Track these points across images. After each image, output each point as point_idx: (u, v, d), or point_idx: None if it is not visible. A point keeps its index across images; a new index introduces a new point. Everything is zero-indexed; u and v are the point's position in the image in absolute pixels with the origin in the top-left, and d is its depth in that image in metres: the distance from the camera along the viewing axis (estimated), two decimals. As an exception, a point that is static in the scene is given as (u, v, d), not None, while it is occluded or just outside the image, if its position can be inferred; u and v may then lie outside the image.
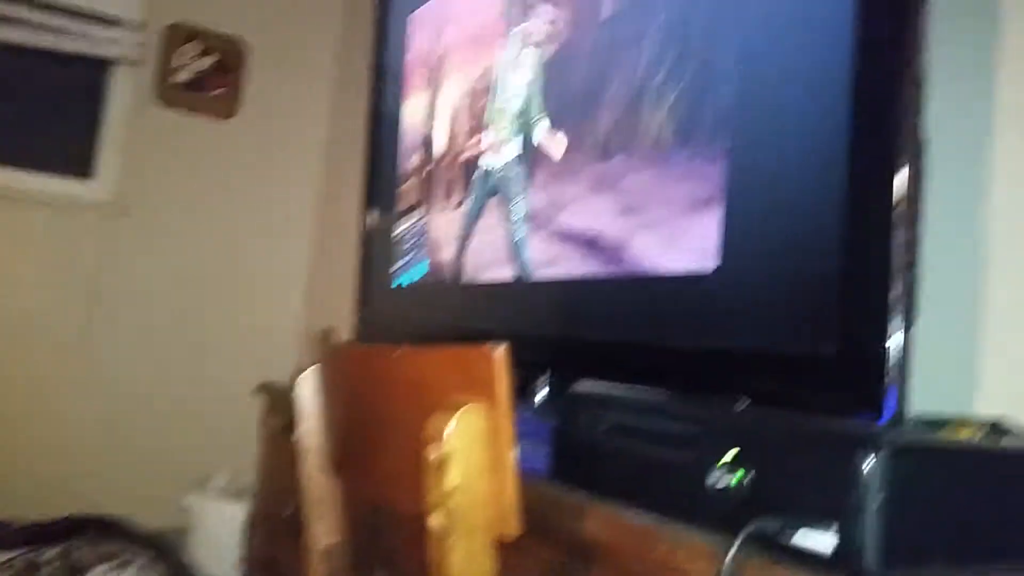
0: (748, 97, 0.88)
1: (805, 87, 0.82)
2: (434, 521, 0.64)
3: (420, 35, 1.68)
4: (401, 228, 1.64)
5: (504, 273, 1.31)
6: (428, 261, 1.52)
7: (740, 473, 0.62)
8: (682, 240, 0.95)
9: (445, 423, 0.63)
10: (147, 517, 2.28)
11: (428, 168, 1.58)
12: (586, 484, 0.77)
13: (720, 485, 0.63)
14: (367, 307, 1.79)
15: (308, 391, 1.03)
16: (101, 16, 2.50)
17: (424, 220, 1.58)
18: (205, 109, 2.65)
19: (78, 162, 2.54)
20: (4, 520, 2.25)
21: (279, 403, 1.67)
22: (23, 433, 2.38)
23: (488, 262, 1.36)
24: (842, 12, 0.78)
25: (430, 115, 1.60)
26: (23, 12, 2.39)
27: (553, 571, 0.76)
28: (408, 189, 1.63)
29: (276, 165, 2.77)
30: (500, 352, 0.63)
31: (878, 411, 0.71)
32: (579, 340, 1.13)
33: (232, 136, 2.69)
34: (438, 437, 0.63)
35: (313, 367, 1.01)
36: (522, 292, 1.27)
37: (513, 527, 0.64)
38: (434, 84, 1.60)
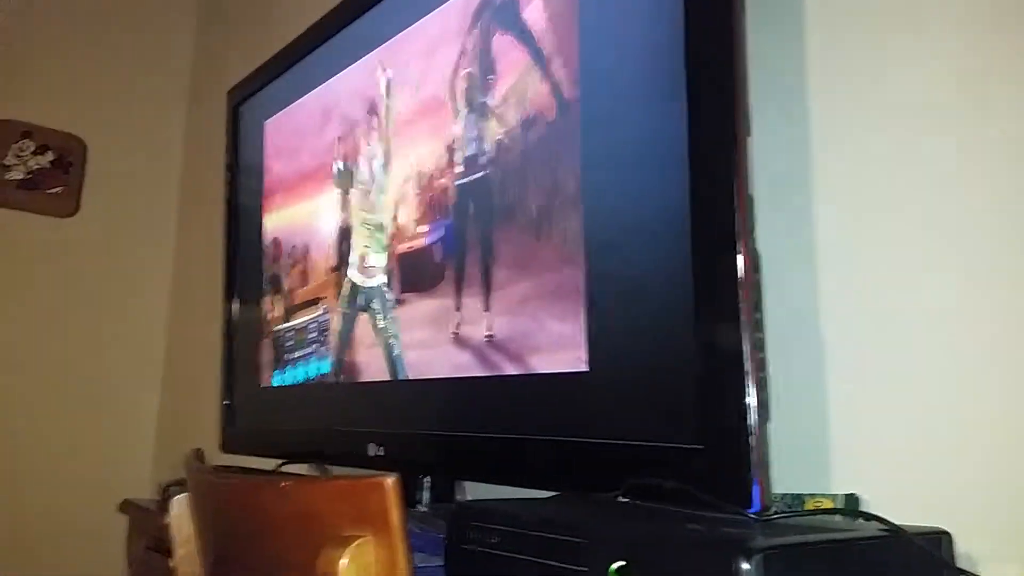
0: (596, 224, 0.96)
1: (648, 208, 0.90)
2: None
3: (276, 140, 1.68)
4: (291, 324, 1.61)
5: (381, 373, 1.31)
6: (329, 359, 1.50)
7: (628, 582, 0.65)
8: (553, 344, 1.00)
9: (337, 559, 0.63)
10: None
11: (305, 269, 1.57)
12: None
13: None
14: (233, 407, 1.73)
15: (180, 517, 0.98)
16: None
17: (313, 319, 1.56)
18: (44, 208, 2.51)
19: None
20: None
21: (143, 523, 1.57)
22: None
23: (365, 364, 1.36)
24: (676, 144, 0.86)
25: (302, 219, 1.59)
26: None
27: None
28: (292, 286, 1.61)
29: (124, 263, 2.64)
30: (391, 482, 0.63)
31: (747, 501, 0.77)
32: (458, 440, 1.14)
33: (71, 233, 2.55)
34: (325, 572, 0.63)
35: (183, 494, 0.97)
36: (399, 392, 1.28)
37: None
38: (297, 191, 1.60)
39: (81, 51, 2.63)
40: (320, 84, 1.53)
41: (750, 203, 0.80)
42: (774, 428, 0.79)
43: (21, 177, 2.48)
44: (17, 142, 2.48)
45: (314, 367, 1.50)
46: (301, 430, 1.53)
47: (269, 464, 1.55)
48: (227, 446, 1.74)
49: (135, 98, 2.71)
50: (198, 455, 1.01)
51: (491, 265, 1.12)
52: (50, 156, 2.54)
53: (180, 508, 0.98)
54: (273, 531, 0.74)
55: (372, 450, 1.29)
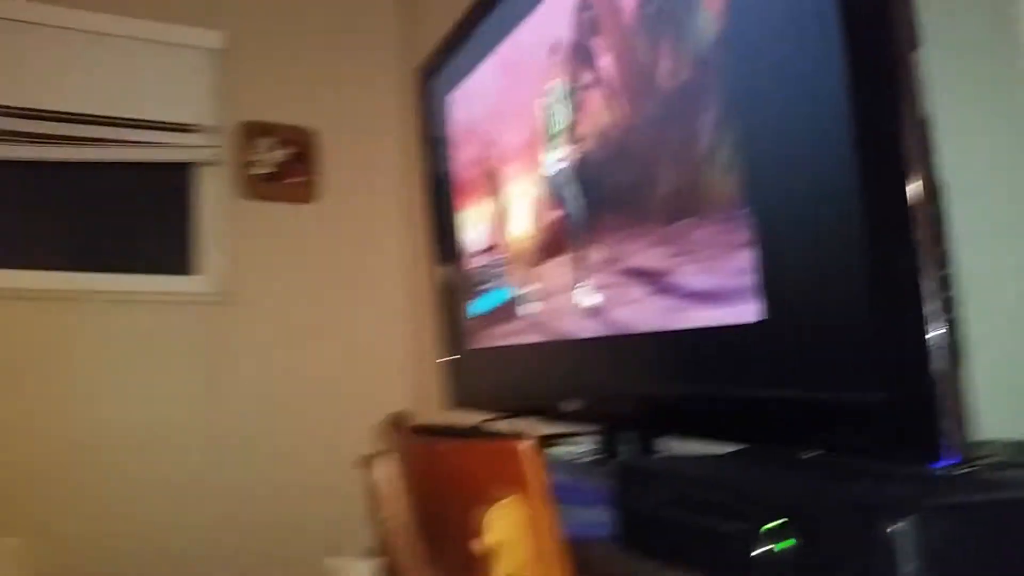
0: (761, 166, 0.88)
1: (812, 140, 0.81)
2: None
3: (460, 111, 1.74)
4: (477, 265, 1.69)
5: (578, 329, 1.32)
6: (507, 291, 1.56)
7: (786, 542, 0.61)
8: (729, 292, 0.95)
9: (487, 516, 0.65)
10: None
11: (500, 230, 1.62)
12: (647, 552, 0.77)
13: (766, 554, 0.63)
14: (454, 368, 1.84)
15: (383, 478, 1.07)
16: (179, 126, 2.70)
17: (504, 264, 1.62)
18: (286, 197, 2.80)
19: (180, 260, 2.73)
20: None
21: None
22: (165, 510, 2.53)
23: (562, 318, 1.38)
24: (833, 64, 0.77)
25: (489, 185, 1.64)
26: (108, 133, 2.61)
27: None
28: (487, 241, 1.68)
29: (361, 240, 2.90)
30: (527, 447, 0.65)
31: (936, 453, 0.69)
32: (648, 395, 1.13)
33: (315, 218, 2.84)
34: (483, 530, 0.65)
35: (384, 454, 1.05)
36: (597, 347, 1.28)
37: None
38: (487, 158, 1.65)
39: (303, 50, 2.89)
40: (505, 42, 1.53)
41: (923, 125, 0.70)
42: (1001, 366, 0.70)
43: (267, 171, 2.78)
44: (259, 140, 2.78)
45: (518, 325, 1.55)
46: (510, 385, 1.59)
47: (484, 419, 1.64)
48: (451, 402, 1.86)
49: (355, 86, 2.94)
50: (399, 416, 1.09)
51: (664, 214, 1.08)
52: (290, 150, 2.82)
53: (381, 469, 1.06)
54: (442, 489, 0.79)
55: (570, 405, 1.31)
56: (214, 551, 2.55)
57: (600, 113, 1.23)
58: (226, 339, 2.69)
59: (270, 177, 2.79)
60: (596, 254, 1.25)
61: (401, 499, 1.03)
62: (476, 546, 0.66)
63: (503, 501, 0.65)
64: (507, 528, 0.65)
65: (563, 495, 0.79)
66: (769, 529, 0.63)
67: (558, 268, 1.37)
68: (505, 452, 0.66)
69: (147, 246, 2.73)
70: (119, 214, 2.71)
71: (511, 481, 0.66)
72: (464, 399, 1.82)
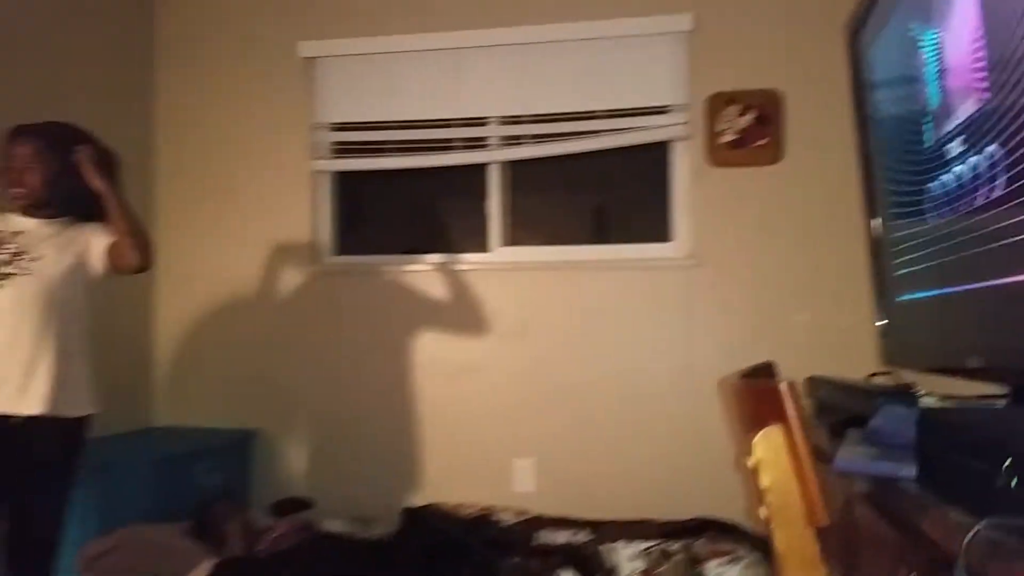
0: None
1: None
2: (761, 513, 0.83)
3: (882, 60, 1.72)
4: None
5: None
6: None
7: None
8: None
9: (755, 440, 0.82)
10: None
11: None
12: (938, 490, 0.84)
13: (1010, 487, 0.68)
14: (882, 321, 1.85)
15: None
16: (654, 108, 3.08)
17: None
18: (750, 161, 2.99)
19: (660, 229, 3.14)
20: (646, 519, 2.88)
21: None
22: (645, 444, 3.00)
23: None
24: None
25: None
26: (597, 125, 3.12)
27: (908, 562, 0.84)
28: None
29: (825, 199, 2.93)
30: (785, 386, 0.79)
31: None
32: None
33: (778, 180, 2.97)
34: (752, 451, 0.83)
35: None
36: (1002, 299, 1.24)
37: (822, 519, 0.79)
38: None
39: (761, 15, 3.01)
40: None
41: None
42: None
43: (732, 138, 3.00)
44: (724, 110, 3.01)
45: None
46: (923, 343, 1.57)
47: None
48: (886, 360, 1.87)
49: (815, 44, 2.96)
50: (764, 367, 1.25)
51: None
52: (753, 114, 2.99)
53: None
54: (738, 419, 0.96)
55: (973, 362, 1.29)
56: (679, 481, 2.91)
57: None
58: (696, 298, 3.01)
59: (735, 144, 3.00)
60: None
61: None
62: (747, 463, 0.83)
63: (765, 429, 0.82)
64: (767, 450, 0.81)
65: (881, 438, 0.90)
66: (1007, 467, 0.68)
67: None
68: (768, 392, 0.82)
69: (634, 219, 3.21)
70: (612, 193, 3.24)
71: (775, 414, 0.82)
72: (898, 357, 1.81)
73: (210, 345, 3.44)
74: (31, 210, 2.08)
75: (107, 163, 2.11)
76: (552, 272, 3.15)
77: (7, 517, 1.99)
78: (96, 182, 2.02)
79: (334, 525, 2.75)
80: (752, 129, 2.99)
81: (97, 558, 2.50)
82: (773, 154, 2.98)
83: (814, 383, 1.42)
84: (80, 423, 2.06)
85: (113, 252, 2.07)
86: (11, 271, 2.00)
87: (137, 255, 2.06)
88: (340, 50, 3.35)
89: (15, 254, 2.02)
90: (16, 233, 2.05)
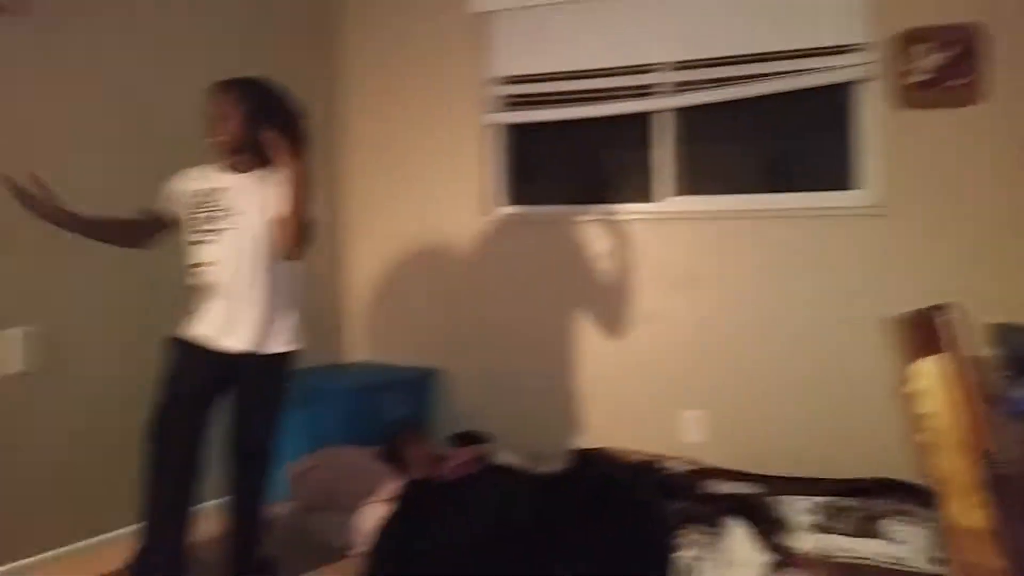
0: None
1: None
2: (918, 439, 0.84)
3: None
4: None
5: None
6: None
7: None
8: None
9: (917, 367, 0.84)
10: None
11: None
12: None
13: None
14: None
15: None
16: (834, 48, 2.94)
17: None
18: (945, 102, 2.79)
19: (842, 176, 3.02)
20: (820, 478, 2.83)
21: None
22: (802, 392, 2.94)
23: None
24: None
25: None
26: (768, 68, 3.03)
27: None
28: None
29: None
30: (942, 317, 0.80)
31: None
32: None
33: (974, 124, 2.75)
34: (911, 378, 0.84)
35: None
36: None
37: (983, 447, 0.80)
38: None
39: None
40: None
41: None
42: None
43: (923, 78, 2.81)
44: (914, 47, 2.82)
45: None
46: None
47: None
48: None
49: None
50: (937, 307, 1.23)
51: None
52: (949, 52, 2.78)
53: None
54: (904, 350, 0.96)
55: None
56: (856, 440, 2.82)
57: None
58: (883, 249, 2.88)
59: (927, 84, 2.81)
60: None
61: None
62: (905, 391, 0.84)
63: (923, 359, 0.83)
64: (928, 377, 0.82)
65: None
66: None
67: None
68: (926, 322, 0.83)
69: (812, 166, 3.09)
70: (788, 139, 3.13)
71: (934, 344, 0.83)
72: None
73: (395, 289, 3.71)
74: (230, 160, 2.27)
75: (294, 137, 2.22)
76: (724, 222, 3.12)
77: (233, 431, 2.31)
78: (284, 160, 2.14)
79: (507, 458, 2.92)
80: (947, 67, 2.79)
81: (304, 473, 2.83)
82: (971, 94, 2.76)
83: (1001, 331, 1.37)
84: (283, 357, 2.31)
85: (275, 228, 2.20)
86: (222, 226, 2.23)
87: (290, 246, 2.19)
88: (510, 3, 3.43)
89: (223, 211, 2.24)
90: (222, 190, 2.25)
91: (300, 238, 2.19)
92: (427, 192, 3.62)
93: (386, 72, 3.70)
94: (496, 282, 3.49)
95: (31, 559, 2.47)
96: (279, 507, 2.65)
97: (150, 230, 2.32)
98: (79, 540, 2.61)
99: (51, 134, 2.53)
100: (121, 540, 2.51)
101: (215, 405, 2.25)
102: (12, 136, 2.41)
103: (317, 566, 2.50)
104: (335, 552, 2.59)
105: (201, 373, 2.22)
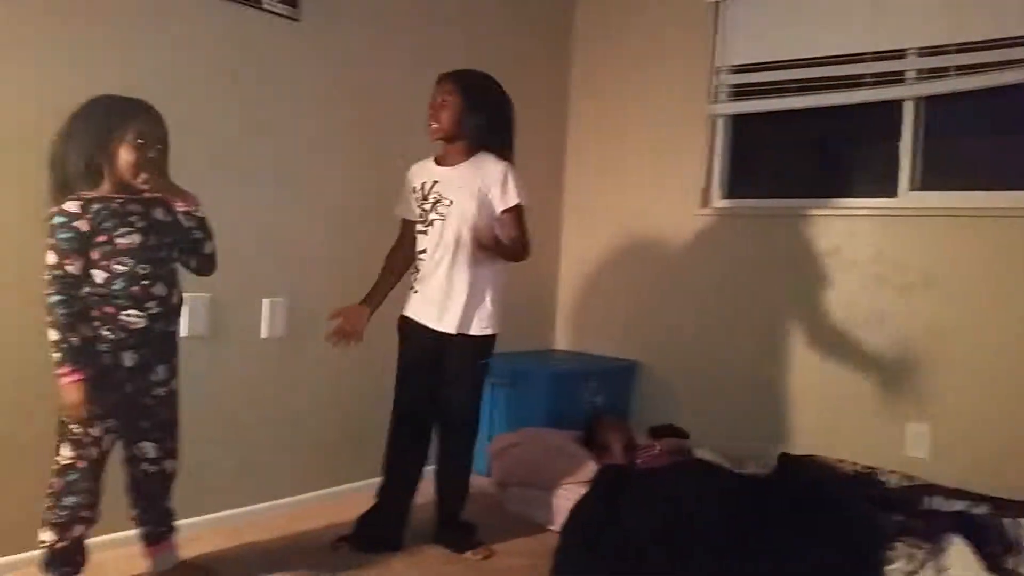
0: None
1: None
2: None
3: None
4: None
5: None
6: None
7: None
8: None
9: None
10: None
11: None
12: None
13: None
14: None
15: None
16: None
17: None
18: None
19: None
20: None
21: None
22: None
23: None
24: None
25: None
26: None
27: None
28: None
29: None
30: None
31: None
32: None
33: None
34: None
35: None
36: None
37: None
38: None
39: None
40: None
41: None
42: None
43: None
44: None
45: None
46: None
47: None
48: None
49: None
50: None
51: None
52: None
53: None
54: None
55: None
56: None
57: None
58: None
59: None
60: None
61: None
62: None
63: None
64: None
65: None
66: None
67: None
68: None
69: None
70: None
71: None
72: None
73: (605, 280, 3.73)
74: (444, 149, 2.40)
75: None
76: (968, 220, 2.82)
77: (440, 404, 2.45)
78: (497, 244, 2.32)
79: (706, 455, 2.84)
80: None
81: (505, 448, 2.92)
82: None
83: None
84: (484, 340, 2.43)
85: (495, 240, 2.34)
86: (433, 217, 2.37)
87: (510, 259, 2.42)
88: (746, -11, 3.33)
89: (435, 202, 2.38)
90: (435, 182, 2.39)
91: (519, 256, 2.41)
92: (643, 183, 3.60)
93: (616, 60, 3.71)
94: (708, 278, 3.41)
95: (275, 501, 2.75)
96: (480, 479, 2.77)
97: (407, 247, 2.49)
98: (320, 488, 2.88)
99: (308, 134, 2.77)
100: (358, 491, 2.81)
101: (440, 378, 2.42)
102: (271, 132, 2.67)
103: (515, 537, 2.58)
104: (532, 526, 2.66)
105: (423, 348, 2.41)
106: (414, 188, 2.45)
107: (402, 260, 2.49)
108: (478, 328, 2.40)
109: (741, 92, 3.39)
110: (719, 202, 3.46)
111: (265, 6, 2.61)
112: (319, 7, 2.76)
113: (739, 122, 3.47)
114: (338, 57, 2.83)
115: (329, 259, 2.85)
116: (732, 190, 3.48)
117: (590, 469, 2.66)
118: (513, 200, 2.36)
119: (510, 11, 3.53)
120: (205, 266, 2.06)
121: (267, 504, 2.71)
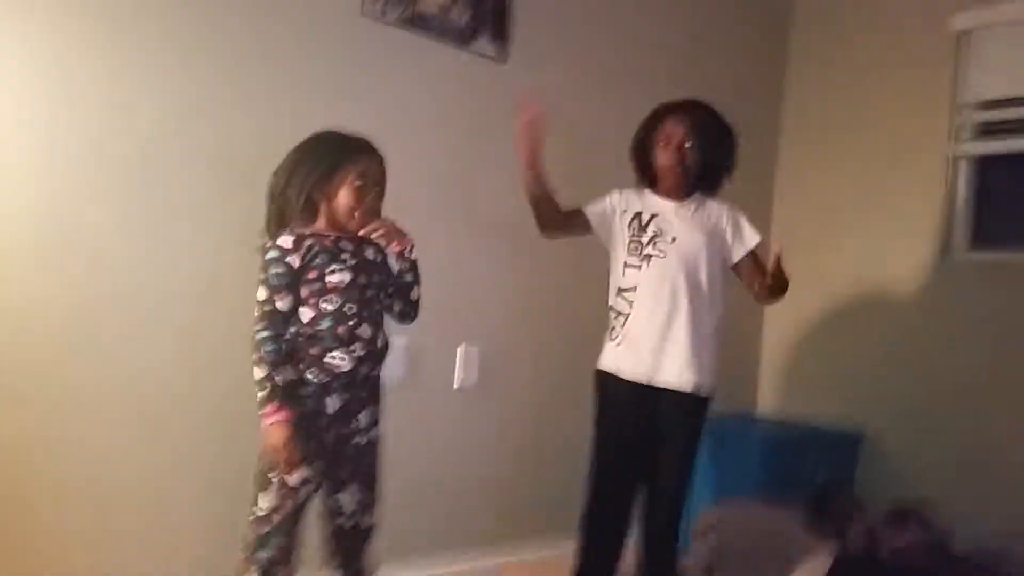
0: None
1: None
2: None
3: None
4: None
5: None
6: None
7: None
8: None
9: None
10: None
11: None
12: None
13: None
14: None
15: None
16: None
17: None
18: None
19: None
20: None
21: None
22: None
23: None
24: None
25: None
26: None
27: None
28: None
29: None
30: None
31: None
32: None
33: None
34: None
35: None
36: None
37: None
38: None
39: None
40: None
41: None
42: None
43: None
44: None
45: None
46: None
47: None
48: None
49: None
50: None
51: None
52: None
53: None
54: None
55: None
56: None
57: None
58: None
59: None
60: None
61: None
62: None
63: None
64: None
65: None
66: None
67: None
68: None
69: None
70: None
71: None
72: None
73: (820, 337, 3.34)
74: (671, 184, 2.20)
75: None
76: None
77: (646, 474, 2.20)
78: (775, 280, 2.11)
79: (966, 547, 2.37)
80: None
81: (710, 528, 2.60)
82: None
83: None
84: (704, 398, 2.17)
85: (746, 275, 2.22)
86: (650, 252, 2.15)
87: (767, 298, 2.20)
88: (1003, 17, 2.91)
89: (654, 235, 2.16)
90: (654, 215, 2.18)
91: (784, 291, 2.16)
92: (872, 230, 3.21)
93: (838, 91, 3.37)
94: (949, 336, 2.96)
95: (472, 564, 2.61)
96: (684, 556, 2.46)
97: (568, 225, 2.29)
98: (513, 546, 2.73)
99: (509, 177, 2.68)
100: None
101: (649, 439, 2.18)
102: (470, 176, 2.61)
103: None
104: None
105: (630, 405, 2.17)
106: (624, 211, 2.24)
107: (555, 208, 2.24)
108: (699, 384, 2.14)
109: (990, 131, 2.97)
110: (962, 254, 3.03)
111: (473, 48, 2.58)
112: (526, 48, 2.70)
113: (986, 163, 3.04)
114: (543, 98, 2.73)
115: (524, 308, 2.74)
116: (977, 239, 3.03)
117: (824, 559, 2.29)
118: (755, 238, 2.21)
119: (720, 38, 3.32)
120: (409, 312, 1.95)
121: (466, 566, 2.59)
